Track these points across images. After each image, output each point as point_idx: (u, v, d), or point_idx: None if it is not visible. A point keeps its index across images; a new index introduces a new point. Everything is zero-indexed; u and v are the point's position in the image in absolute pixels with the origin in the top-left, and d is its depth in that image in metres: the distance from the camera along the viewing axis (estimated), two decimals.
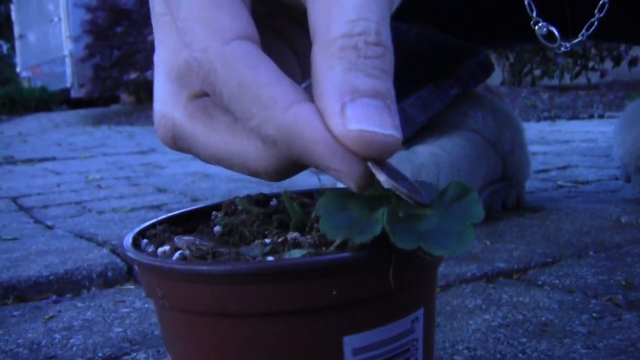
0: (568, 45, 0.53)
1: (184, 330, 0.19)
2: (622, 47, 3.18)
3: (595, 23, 0.51)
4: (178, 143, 0.20)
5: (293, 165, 0.19)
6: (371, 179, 0.17)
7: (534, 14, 0.52)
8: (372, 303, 0.18)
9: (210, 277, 0.17)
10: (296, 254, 0.18)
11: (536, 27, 0.52)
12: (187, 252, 0.19)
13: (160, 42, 0.21)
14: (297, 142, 0.17)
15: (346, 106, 0.16)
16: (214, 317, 0.18)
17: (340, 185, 0.46)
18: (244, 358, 0.18)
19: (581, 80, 3.35)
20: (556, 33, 0.52)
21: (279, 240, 0.19)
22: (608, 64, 3.33)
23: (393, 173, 0.17)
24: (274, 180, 0.19)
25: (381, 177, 0.17)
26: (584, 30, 0.52)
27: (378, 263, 0.18)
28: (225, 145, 0.19)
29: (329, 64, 0.17)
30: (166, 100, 0.20)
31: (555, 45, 0.53)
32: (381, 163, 0.17)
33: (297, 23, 0.22)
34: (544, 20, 0.52)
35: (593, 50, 3.26)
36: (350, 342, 0.18)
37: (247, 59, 0.17)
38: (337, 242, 0.18)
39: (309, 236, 0.19)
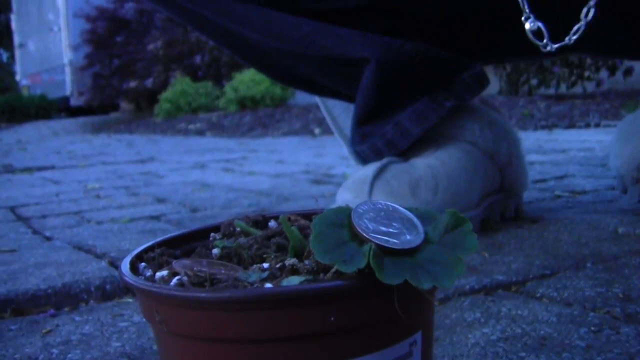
0: (554, 46, 0.53)
1: (182, 354, 0.19)
2: None
3: (582, 28, 0.52)
4: None
5: None
6: None
7: (527, 9, 0.53)
8: (370, 328, 0.18)
9: (208, 303, 0.17)
10: (294, 280, 0.18)
11: (527, 23, 0.53)
12: (184, 279, 0.19)
13: None
14: None
15: None
16: (212, 343, 0.18)
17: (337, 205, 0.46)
18: None
19: (577, 89, 3.37)
20: (544, 31, 0.53)
21: (277, 265, 0.19)
22: (604, 74, 3.35)
23: (379, 218, 0.18)
24: None
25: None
26: (570, 34, 0.53)
27: (376, 290, 0.18)
28: None
29: None
30: None
31: (542, 43, 0.54)
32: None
33: None
34: (535, 17, 0.53)
35: (589, 60, 3.28)
36: None
37: None
38: (335, 268, 0.18)
39: (307, 262, 0.19)
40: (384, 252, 0.17)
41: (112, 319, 0.45)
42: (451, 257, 0.17)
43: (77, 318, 0.45)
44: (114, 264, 0.58)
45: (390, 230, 0.18)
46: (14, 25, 8.77)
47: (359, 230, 0.18)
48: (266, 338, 0.17)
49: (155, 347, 0.39)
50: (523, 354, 0.34)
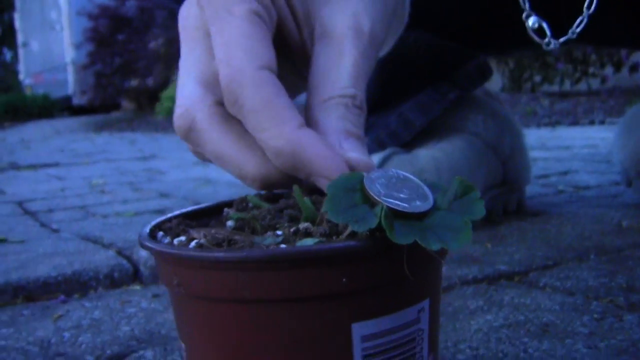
0: (557, 42, 0.53)
1: (198, 316, 0.20)
2: (623, 52, 3.18)
3: (585, 20, 0.52)
4: (191, 135, 0.24)
5: (280, 178, 0.23)
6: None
7: (527, 6, 0.53)
8: (381, 291, 0.19)
9: (225, 263, 0.18)
10: (308, 242, 0.19)
11: (527, 21, 0.53)
12: (203, 241, 0.19)
13: (191, 49, 0.26)
14: (303, 154, 0.22)
15: (342, 141, 0.23)
16: (228, 303, 0.19)
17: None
18: (256, 343, 0.19)
19: (581, 86, 3.36)
20: (546, 28, 0.53)
21: (291, 230, 0.20)
22: (609, 70, 3.33)
23: (390, 184, 0.21)
24: (256, 188, 0.24)
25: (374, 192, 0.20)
26: (574, 28, 0.53)
27: (387, 252, 0.18)
28: (232, 148, 0.23)
29: (326, 112, 0.23)
30: (193, 98, 0.24)
31: (545, 41, 0.54)
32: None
33: (295, 70, 0.28)
34: (536, 15, 0.53)
35: (593, 56, 3.26)
36: (359, 329, 0.19)
37: (272, 85, 0.23)
38: (348, 231, 0.18)
39: (320, 227, 0.19)
40: (394, 215, 0.18)
41: (120, 305, 0.45)
42: (459, 222, 0.18)
43: (86, 304, 0.46)
44: (122, 253, 0.58)
45: (402, 195, 0.19)
46: (17, 24, 8.79)
47: (371, 193, 0.19)
48: (281, 298, 0.18)
49: (163, 331, 0.39)
50: (526, 340, 0.35)
